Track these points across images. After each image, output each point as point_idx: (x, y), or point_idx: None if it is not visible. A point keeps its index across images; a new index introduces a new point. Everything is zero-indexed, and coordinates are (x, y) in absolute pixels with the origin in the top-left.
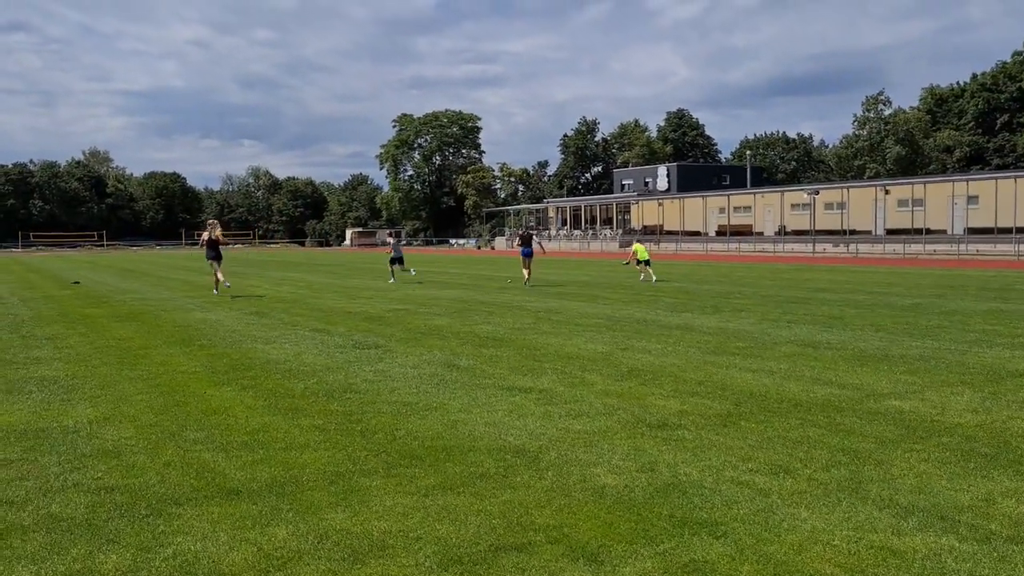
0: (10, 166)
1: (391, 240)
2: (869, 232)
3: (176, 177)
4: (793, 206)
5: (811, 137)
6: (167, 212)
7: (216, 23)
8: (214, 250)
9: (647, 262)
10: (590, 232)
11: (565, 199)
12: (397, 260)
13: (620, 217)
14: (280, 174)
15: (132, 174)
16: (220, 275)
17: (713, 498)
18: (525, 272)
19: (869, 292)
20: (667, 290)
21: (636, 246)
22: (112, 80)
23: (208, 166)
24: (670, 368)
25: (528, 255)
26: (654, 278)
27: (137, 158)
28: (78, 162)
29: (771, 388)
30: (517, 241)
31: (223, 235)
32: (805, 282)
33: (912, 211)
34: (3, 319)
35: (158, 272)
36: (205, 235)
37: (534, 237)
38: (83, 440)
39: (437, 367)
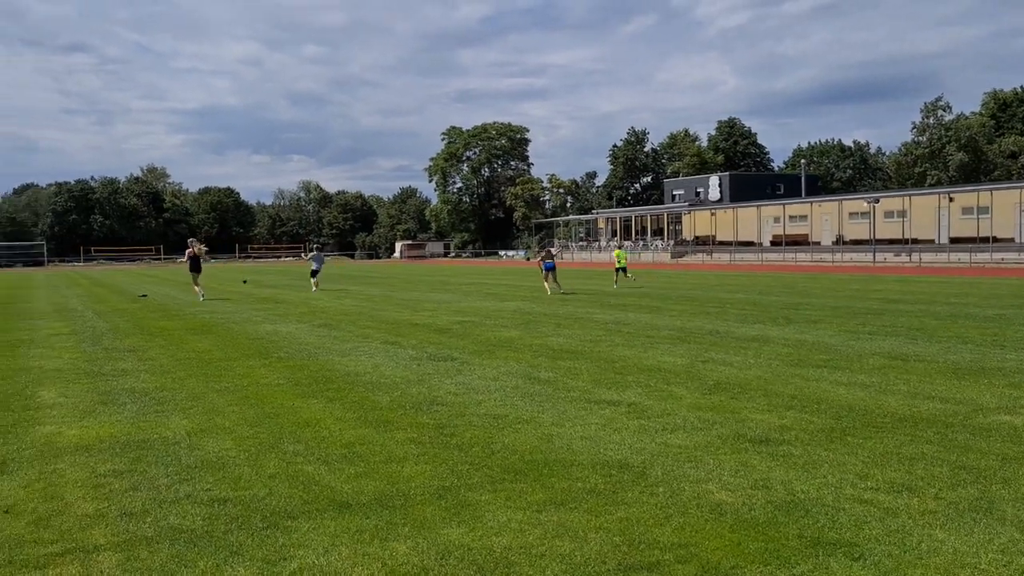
0: (73, 183)
1: (314, 252)
2: (932, 241)
3: (230, 192)
4: (851, 215)
5: (867, 144)
6: (221, 226)
7: (267, 40)
8: (196, 264)
9: (622, 269)
10: (641, 243)
11: (615, 210)
12: (314, 272)
13: (672, 228)
14: (330, 188)
15: (187, 190)
16: (198, 287)
17: (839, 517)
18: (546, 284)
19: (945, 303)
20: (732, 301)
21: (616, 252)
22: (167, 99)
23: (259, 181)
24: (756, 381)
25: (550, 268)
26: (616, 283)
27: (192, 174)
28: (136, 178)
29: (869, 402)
30: (542, 255)
31: (204, 251)
32: (874, 292)
33: (978, 219)
34: (83, 332)
35: (218, 285)
36: (189, 251)
37: (553, 254)
38: (185, 452)
39: (518, 379)
